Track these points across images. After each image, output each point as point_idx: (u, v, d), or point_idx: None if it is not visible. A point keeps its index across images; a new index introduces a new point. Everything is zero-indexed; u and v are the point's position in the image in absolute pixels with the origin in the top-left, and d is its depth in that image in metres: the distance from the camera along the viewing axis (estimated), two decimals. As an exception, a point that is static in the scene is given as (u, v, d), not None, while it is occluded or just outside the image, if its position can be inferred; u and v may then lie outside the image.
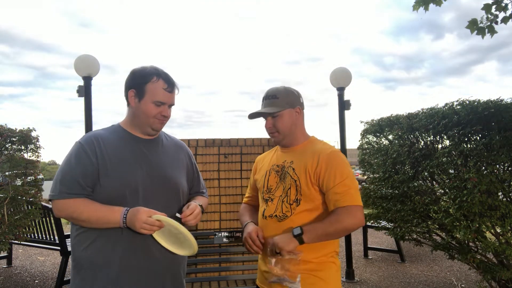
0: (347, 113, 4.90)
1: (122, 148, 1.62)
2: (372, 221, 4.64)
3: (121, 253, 1.54)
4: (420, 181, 3.65)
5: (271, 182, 1.76)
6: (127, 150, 1.63)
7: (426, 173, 3.55)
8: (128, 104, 1.67)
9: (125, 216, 1.50)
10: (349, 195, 1.58)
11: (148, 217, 1.48)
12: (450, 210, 3.20)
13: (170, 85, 1.64)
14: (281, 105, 1.72)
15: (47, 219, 4.36)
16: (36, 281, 4.67)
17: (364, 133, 4.56)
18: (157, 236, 1.57)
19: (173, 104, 1.68)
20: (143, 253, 1.58)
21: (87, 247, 1.56)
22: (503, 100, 2.99)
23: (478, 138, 3.09)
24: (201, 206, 1.73)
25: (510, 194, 3.05)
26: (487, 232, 3.06)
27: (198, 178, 1.92)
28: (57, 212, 1.57)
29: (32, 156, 4.00)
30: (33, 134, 3.99)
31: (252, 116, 1.78)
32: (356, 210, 1.57)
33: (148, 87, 1.60)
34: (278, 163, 1.78)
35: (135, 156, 1.63)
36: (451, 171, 3.30)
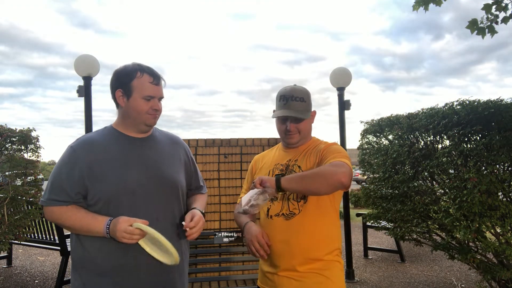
0: (347, 113, 4.92)
1: (115, 150, 1.60)
2: (372, 221, 4.64)
3: (121, 253, 1.53)
4: (420, 181, 3.66)
5: None
6: (121, 151, 1.61)
7: (426, 173, 3.55)
8: (118, 105, 1.64)
9: (108, 226, 1.48)
10: (337, 158, 1.55)
11: (128, 226, 1.45)
12: (450, 210, 3.20)
13: (155, 78, 1.61)
14: (309, 109, 1.74)
15: (47, 219, 4.36)
16: (36, 281, 4.66)
17: (364, 133, 4.57)
18: (142, 243, 1.52)
19: (162, 97, 1.66)
20: (144, 254, 1.56)
21: (87, 248, 1.55)
22: (503, 100, 3.00)
23: (478, 138, 3.09)
24: (203, 213, 1.71)
25: (510, 194, 3.05)
26: (487, 232, 3.06)
27: (196, 172, 1.90)
28: (46, 217, 1.61)
29: (32, 156, 4.00)
30: (33, 134, 4.00)
31: (279, 117, 1.73)
32: (339, 163, 1.50)
33: (134, 84, 1.58)
34: (281, 162, 1.77)
35: (130, 157, 1.61)
36: (451, 171, 3.30)
